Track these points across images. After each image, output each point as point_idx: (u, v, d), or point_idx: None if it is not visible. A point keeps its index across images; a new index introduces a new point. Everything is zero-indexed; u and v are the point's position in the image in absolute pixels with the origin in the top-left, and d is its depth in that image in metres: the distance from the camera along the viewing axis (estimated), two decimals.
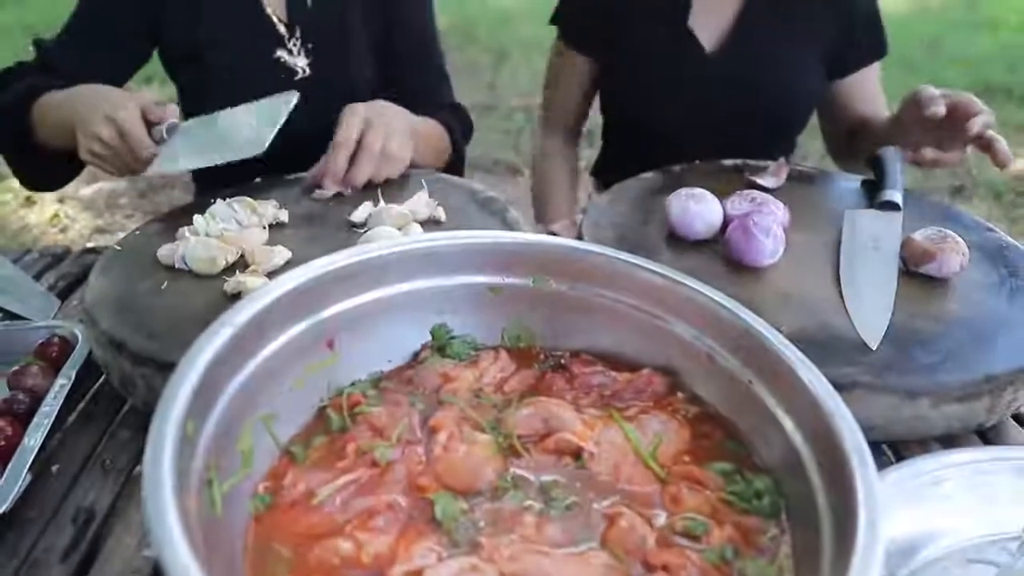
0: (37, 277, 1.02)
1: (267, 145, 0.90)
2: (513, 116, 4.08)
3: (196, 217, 0.85)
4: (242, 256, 0.82)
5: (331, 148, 0.97)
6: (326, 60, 1.20)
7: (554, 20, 1.36)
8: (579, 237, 0.92)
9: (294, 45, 1.18)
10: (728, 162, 1.13)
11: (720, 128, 1.24)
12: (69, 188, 3.17)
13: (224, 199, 0.91)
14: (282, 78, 1.18)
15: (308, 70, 1.19)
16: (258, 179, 1.05)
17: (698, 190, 0.90)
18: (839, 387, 0.57)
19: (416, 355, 0.63)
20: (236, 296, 0.75)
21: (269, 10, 1.18)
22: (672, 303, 0.60)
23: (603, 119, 1.47)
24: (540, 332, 0.65)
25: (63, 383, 0.74)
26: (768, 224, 0.83)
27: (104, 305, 0.75)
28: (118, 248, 0.86)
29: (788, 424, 0.52)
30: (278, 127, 0.92)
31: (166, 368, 0.67)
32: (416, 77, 1.28)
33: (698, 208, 0.88)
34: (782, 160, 1.08)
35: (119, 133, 0.88)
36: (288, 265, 0.81)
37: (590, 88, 1.36)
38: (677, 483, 0.51)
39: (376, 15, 1.23)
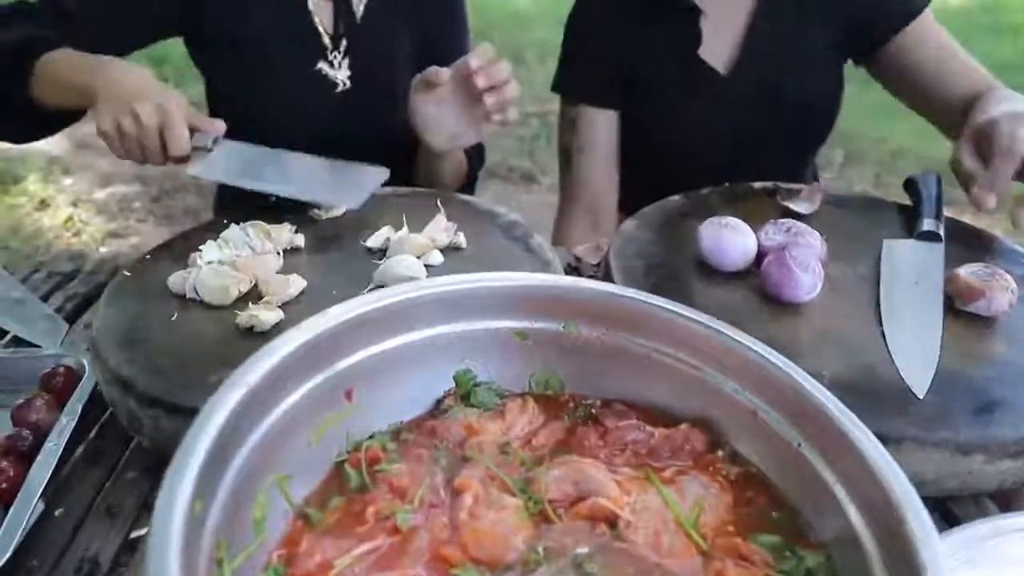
0: (45, 298, 0.99)
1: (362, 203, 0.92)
2: (528, 122, 4.04)
3: (208, 243, 0.82)
4: (255, 285, 0.78)
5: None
6: (367, 76, 1.17)
7: (558, 88, 1.28)
8: (605, 264, 0.89)
9: (335, 58, 1.15)
10: (758, 185, 1.09)
11: (742, 145, 1.21)
12: (83, 192, 3.16)
13: (238, 222, 0.87)
14: (320, 90, 1.16)
15: (348, 83, 1.16)
16: (273, 199, 1.02)
17: (731, 219, 0.86)
18: (886, 440, 0.53)
19: (439, 403, 0.59)
20: (249, 330, 0.71)
21: (317, 20, 1.15)
22: (712, 353, 0.56)
23: (620, 142, 1.41)
24: (569, 379, 0.61)
25: (68, 419, 0.71)
26: (806, 258, 0.79)
27: (111, 339, 0.72)
28: (127, 274, 0.83)
29: (841, 493, 0.48)
30: (370, 193, 0.92)
31: (175, 411, 0.64)
32: None
33: (731, 238, 0.84)
34: (815, 184, 1.04)
35: (161, 122, 0.85)
36: (303, 296, 0.78)
37: (617, 142, 1.28)
38: (722, 558, 0.47)
39: (419, 37, 1.21)
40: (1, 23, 1.03)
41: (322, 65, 1.16)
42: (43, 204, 2.98)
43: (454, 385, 0.59)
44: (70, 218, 2.91)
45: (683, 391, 0.58)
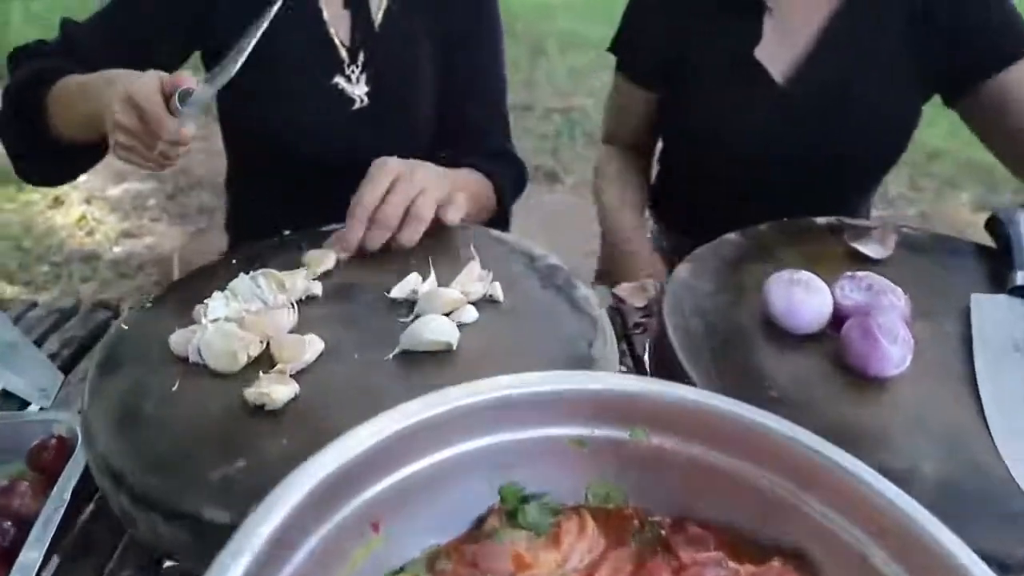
0: (41, 340, 0.91)
1: None
2: (551, 117, 3.93)
3: (215, 296, 0.73)
4: (268, 346, 0.70)
5: (351, 207, 0.84)
6: (387, 91, 1.08)
7: (613, 49, 1.25)
8: (659, 322, 0.79)
9: (353, 72, 1.06)
10: (821, 220, 0.98)
11: (794, 165, 1.12)
12: (96, 188, 3.09)
13: (248, 266, 0.78)
14: (338, 106, 1.07)
15: (366, 100, 1.07)
16: (287, 232, 0.93)
17: (803, 275, 0.76)
18: (1005, 568, 0.44)
19: (481, 521, 0.50)
20: (259, 408, 0.63)
21: (333, 31, 1.06)
22: (813, 478, 0.47)
23: (662, 146, 1.34)
24: (634, 491, 0.52)
25: (56, 507, 0.63)
26: (894, 326, 0.69)
27: (102, 417, 0.63)
28: (124, 328, 0.74)
29: None
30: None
31: (173, 517, 0.55)
32: (470, 114, 1.15)
33: (805, 299, 0.74)
34: (888, 224, 0.94)
35: (138, 115, 0.75)
36: (321, 360, 0.69)
37: (655, 121, 1.24)
38: None
39: (443, 49, 1.11)
40: (16, 63, 0.96)
41: (339, 80, 1.07)
42: (56, 202, 2.92)
43: (499, 501, 0.50)
44: (83, 216, 2.85)
45: (773, 517, 0.48)
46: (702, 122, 1.16)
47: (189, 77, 0.77)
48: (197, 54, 1.09)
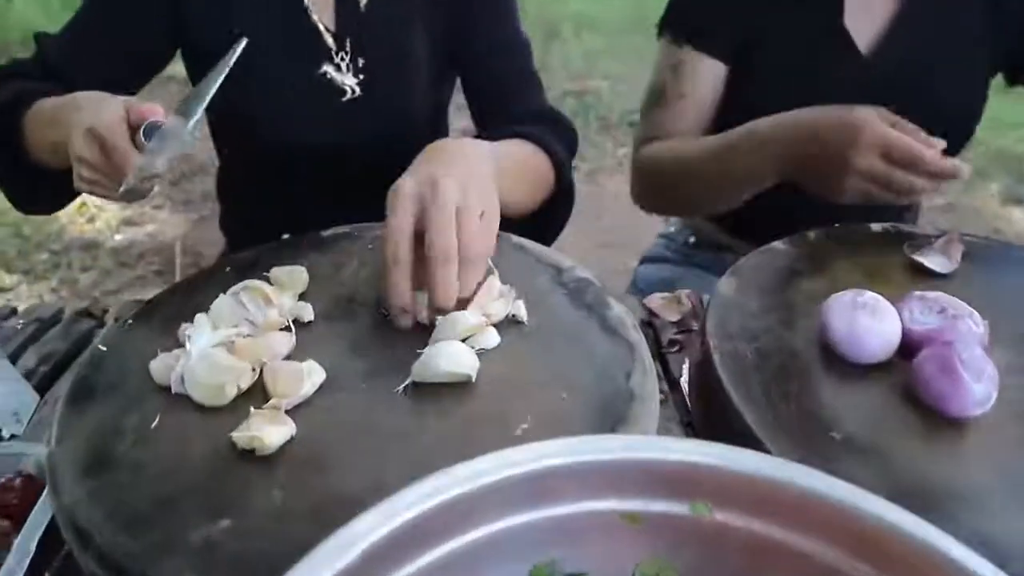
0: (17, 355, 0.83)
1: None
2: (565, 101, 3.82)
3: (198, 321, 0.64)
4: (261, 375, 0.61)
5: (381, 267, 0.66)
6: (380, 78, 0.99)
7: (666, 24, 1.12)
8: (703, 346, 0.70)
9: (343, 60, 0.97)
10: (876, 227, 0.89)
11: None
12: None
13: (223, 291, 0.69)
14: (327, 98, 0.98)
15: (358, 90, 0.98)
16: (286, 235, 0.85)
17: (868, 296, 0.67)
18: None
19: None
20: (250, 452, 0.54)
21: (316, 17, 0.97)
22: (903, 560, 0.38)
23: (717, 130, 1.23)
24: (688, 570, 0.43)
25: (18, 561, 0.55)
26: (977, 361, 0.60)
27: (70, 459, 0.55)
28: (101, 349, 0.66)
29: None
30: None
31: None
32: (499, 75, 1.04)
33: (870, 324, 0.65)
34: (953, 233, 0.85)
35: (101, 149, 0.67)
36: (321, 392, 0.60)
37: (720, 97, 1.12)
38: None
39: (439, 27, 1.01)
40: None
41: (327, 69, 0.98)
42: None
43: None
44: (84, 204, 2.76)
45: None
46: (780, 96, 1.06)
47: (157, 108, 0.69)
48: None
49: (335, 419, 0.58)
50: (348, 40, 0.98)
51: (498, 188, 0.72)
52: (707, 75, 1.10)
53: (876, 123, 0.83)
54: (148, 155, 0.67)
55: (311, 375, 0.60)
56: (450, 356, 0.60)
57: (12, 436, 0.72)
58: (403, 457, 0.54)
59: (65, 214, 2.74)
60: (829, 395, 0.64)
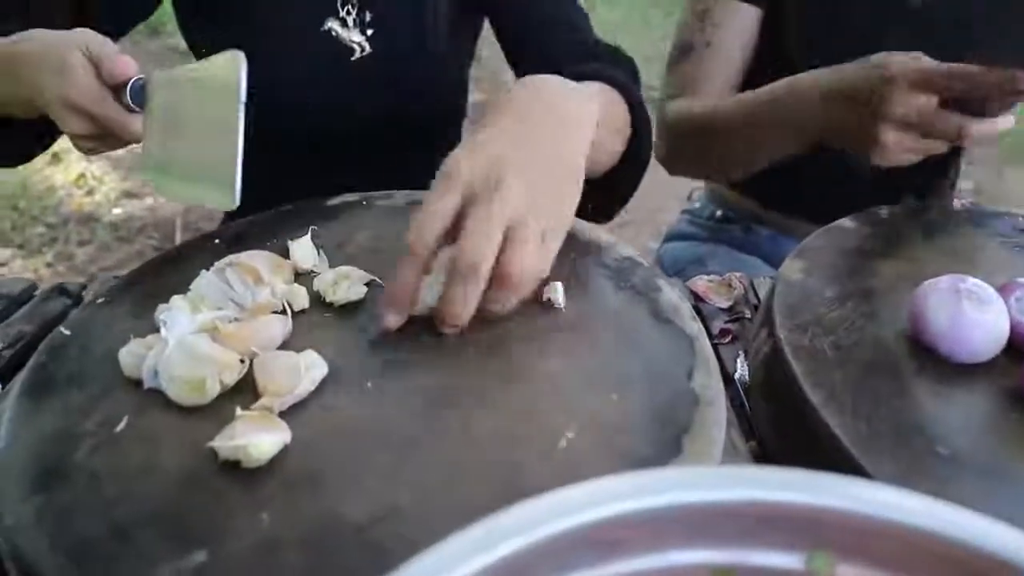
0: None
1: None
2: None
3: (174, 304, 0.54)
4: (250, 368, 0.51)
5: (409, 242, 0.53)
6: (391, 34, 0.88)
7: None
8: (771, 338, 0.60)
9: (349, 14, 0.86)
10: (956, 204, 0.78)
11: None
12: None
13: (208, 267, 0.59)
14: (333, 57, 0.87)
15: (367, 47, 0.87)
16: (289, 207, 0.75)
17: (971, 282, 0.56)
18: None
19: None
20: (234, 464, 0.44)
21: None
22: None
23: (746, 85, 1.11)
24: None
25: None
26: None
27: (16, 469, 0.45)
28: (66, 333, 0.56)
29: None
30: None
31: None
32: (538, 20, 0.88)
33: (977, 316, 0.55)
34: None
35: (87, 117, 0.59)
36: (323, 388, 0.50)
37: (751, 48, 1.01)
38: None
39: None
40: None
41: (332, 25, 0.87)
42: (55, 159, 2.74)
43: None
44: (82, 175, 2.67)
45: None
46: (818, 46, 0.95)
47: (129, 60, 0.59)
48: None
49: (337, 425, 0.48)
50: None
51: (589, 156, 0.59)
52: (738, 20, 0.99)
53: (906, 59, 0.71)
54: (144, 158, 0.61)
55: (310, 369, 0.50)
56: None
57: None
58: (418, 475, 0.44)
59: (63, 186, 2.65)
60: (928, 401, 0.54)
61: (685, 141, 1.02)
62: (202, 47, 0.89)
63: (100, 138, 0.61)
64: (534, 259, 0.51)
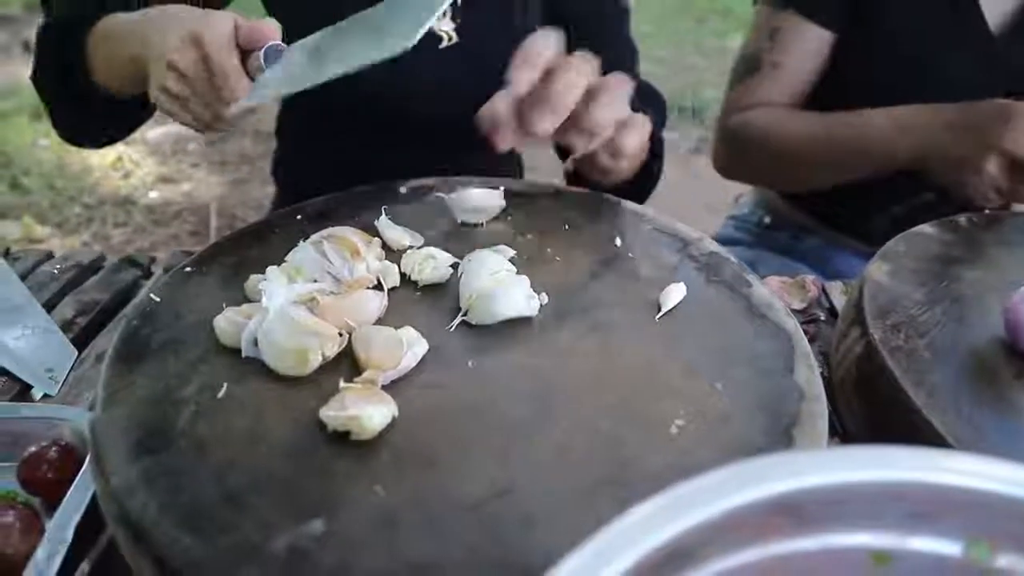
0: (53, 304, 0.73)
1: (417, 37, 0.56)
2: None
3: (270, 273, 0.54)
4: (349, 341, 0.51)
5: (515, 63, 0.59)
6: (481, 25, 0.87)
7: None
8: (856, 321, 0.59)
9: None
10: None
11: None
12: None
13: (305, 237, 0.58)
14: (421, 44, 0.87)
15: (454, 36, 0.87)
16: (368, 187, 0.74)
17: None
18: None
19: None
20: (341, 436, 0.44)
21: None
22: None
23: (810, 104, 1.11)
24: None
25: (53, 550, 0.45)
26: None
27: (119, 433, 0.45)
28: (156, 300, 0.56)
29: None
30: (436, 16, 0.57)
31: None
32: (601, 49, 0.92)
33: None
34: None
35: (202, 60, 0.56)
36: (423, 365, 0.50)
37: (822, 69, 1.01)
38: None
39: None
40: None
41: None
42: None
43: None
44: (120, 158, 2.68)
45: None
46: (891, 71, 0.94)
47: (275, 27, 0.57)
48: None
49: (441, 401, 0.47)
50: None
51: None
52: (809, 43, 0.99)
53: None
54: (260, 86, 0.56)
55: (412, 345, 0.49)
56: (506, 298, 0.50)
57: (44, 396, 0.63)
58: (530, 455, 0.43)
59: (100, 168, 2.67)
60: None
61: (748, 155, 1.03)
62: (286, 28, 0.89)
63: (193, 88, 0.58)
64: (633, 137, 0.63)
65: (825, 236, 1.15)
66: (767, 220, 1.23)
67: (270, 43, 0.56)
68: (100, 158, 2.69)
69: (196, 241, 2.27)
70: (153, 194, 2.54)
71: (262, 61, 0.56)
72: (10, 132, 2.78)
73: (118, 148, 2.73)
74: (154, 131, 2.85)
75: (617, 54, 0.95)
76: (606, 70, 0.93)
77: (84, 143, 0.81)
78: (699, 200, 2.51)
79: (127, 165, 2.67)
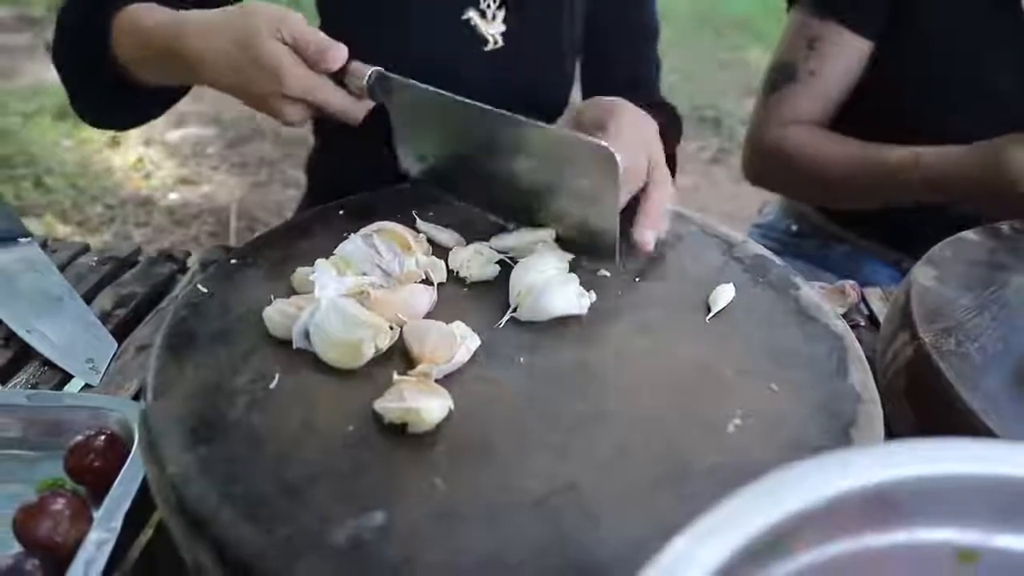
0: (91, 296, 0.73)
1: None
2: None
3: (320, 265, 0.53)
4: (400, 335, 0.50)
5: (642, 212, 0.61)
6: (528, 31, 0.87)
7: None
8: (905, 324, 0.58)
9: (489, 7, 0.86)
10: None
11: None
12: (155, 131, 2.94)
13: (352, 232, 0.58)
14: (468, 47, 0.87)
15: (501, 40, 0.86)
16: (407, 185, 0.74)
17: None
18: None
19: None
20: (397, 429, 0.43)
21: None
22: None
23: (851, 120, 1.10)
24: None
25: (102, 541, 0.45)
26: None
27: (172, 421, 0.44)
28: (204, 291, 0.56)
29: None
30: None
31: None
32: (629, 64, 0.95)
33: None
34: None
35: (316, 109, 0.61)
36: (475, 361, 0.49)
37: (856, 80, 1.00)
38: None
39: None
40: None
41: (472, 15, 0.86)
42: (114, 142, 2.77)
43: None
44: (140, 159, 2.70)
45: None
46: (931, 80, 0.93)
47: (340, 49, 0.60)
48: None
49: (495, 396, 0.47)
50: None
51: None
52: (847, 53, 0.99)
53: None
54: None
55: (464, 340, 0.49)
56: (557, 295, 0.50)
57: (86, 386, 0.63)
58: (588, 452, 0.43)
59: (121, 169, 2.68)
60: None
61: (785, 172, 1.04)
62: (333, 19, 0.88)
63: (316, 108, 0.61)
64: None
65: (854, 244, 1.14)
66: (794, 228, 1.22)
67: (371, 71, 0.60)
68: (122, 159, 2.71)
69: (216, 243, 2.27)
70: (173, 195, 2.55)
71: (369, 89, 0.61)
72: (34, 132, 2.80)
73: (139, 149, 2.75)
74: (174, 133, 2.87)
75: (645, 68, 0.98)
76: (634, 83, 0.95)
77: (106, 124, 0.80)
78: (719, 209, 2.51)
79: (148, 166, 2.68)
